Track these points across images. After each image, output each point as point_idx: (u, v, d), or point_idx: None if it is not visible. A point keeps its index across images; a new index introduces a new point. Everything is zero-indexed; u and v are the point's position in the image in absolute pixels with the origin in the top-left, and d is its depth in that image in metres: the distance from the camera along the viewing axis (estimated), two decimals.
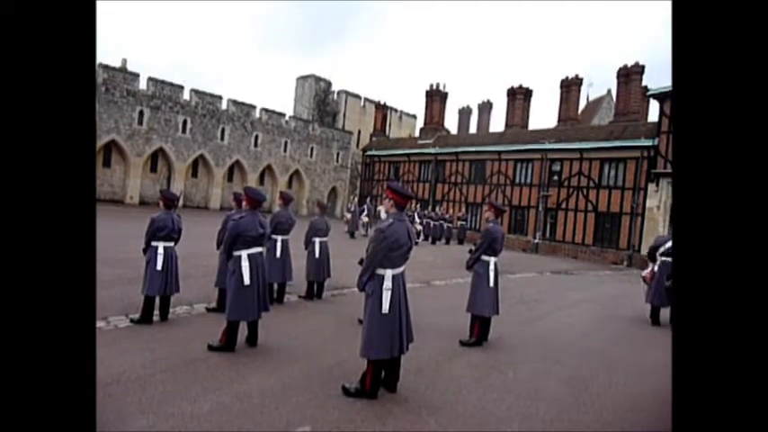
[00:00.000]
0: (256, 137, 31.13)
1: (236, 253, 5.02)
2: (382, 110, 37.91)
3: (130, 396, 3.69)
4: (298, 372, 4.51)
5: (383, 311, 3.96)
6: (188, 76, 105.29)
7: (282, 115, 32.73)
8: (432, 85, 32.76)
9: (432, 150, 30.08)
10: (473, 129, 34.31)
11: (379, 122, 37.67)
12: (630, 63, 23.65)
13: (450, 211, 26.21)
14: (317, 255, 7.81)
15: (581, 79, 26.42)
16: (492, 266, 6.09)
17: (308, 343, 5.48)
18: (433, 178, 29.98)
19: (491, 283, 6.03)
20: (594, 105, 39.11)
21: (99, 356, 3.61)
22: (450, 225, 23.55)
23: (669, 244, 8.19)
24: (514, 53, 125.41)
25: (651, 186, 20.25)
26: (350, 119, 38.49)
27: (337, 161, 36.22)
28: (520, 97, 28.63)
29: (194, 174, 29.76)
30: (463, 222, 24.84)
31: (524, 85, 28.66)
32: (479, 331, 6.01)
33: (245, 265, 4.97)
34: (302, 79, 38.80)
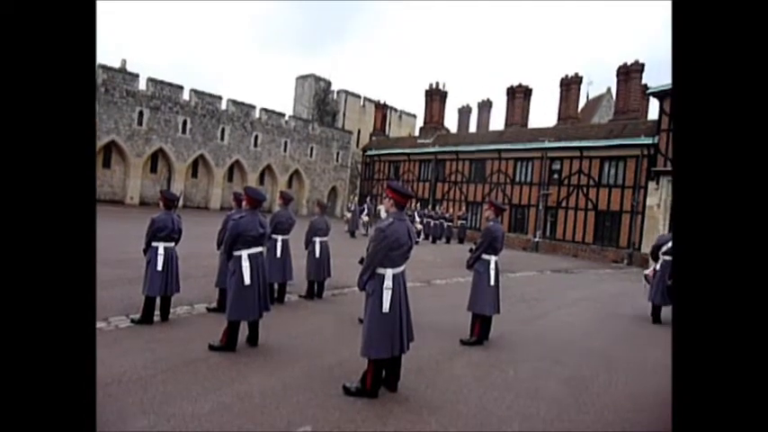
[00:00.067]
0: (256, 137, 31.12)
1: (236, 253, 5.03)
2: (382, 109, 37.91)
3: (131, 396, 3.69)
4: (298, 371, 4.51)
5: (384, 311, 3.96)
6: (187, 76, 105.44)
7: (282, 115, 32.72)
8: (431, 85, 32.74)
9: (431, 149, 30.08)
10: (473, 128, 34.27)
11: (379, 122, 37.67)
12: (630, 61, 23.63)
13: (451, 210, 26.21)
14: (317, 254, 7.81)
15: (581, 77, 26.39)
16: (492, 265, 6.09)
17: (309, 342, 5.48)
18: (433, 177, 29.98)
19: (492, 282, 6.03)
20: (594, 104, 39.10)
21: (100, 357, 3.61)
22: (450, 224, 23.55)
23: (672, 243, 8.20)
24: (514, 52, 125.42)
25: (651, 184, 20.24)
26: (349, 118, 38.48)
27: (337, 161, 36.21)
28: (519, 96, 28.60)
29: (194, 174, 29.76)
30: (463, 221, 24.84)
31: (524, 84, 28.64)
32: (480, 330, 6.01)
33: (245, 265, 4.97)
34: (302, 79, 38.79)
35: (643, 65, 23.41)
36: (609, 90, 37.37)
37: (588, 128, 24.94)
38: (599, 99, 39.16)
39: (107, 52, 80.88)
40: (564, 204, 23.53)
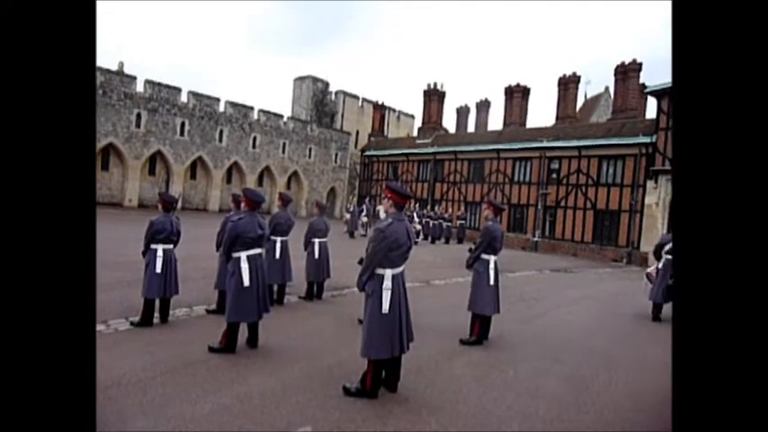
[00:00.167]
0: (254, 138, 31.11)
1: (235, 254, 5.02)
2: (380, 110, 37.93)
3: (131, 399, 3.68)
4: (298, 372, 4.51)
5: (383, 311, 3.96)
6: (185, 77, 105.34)
7: (280, 116, 32.71)
8: (429, 85, 32.74)
9: (430, 150, 30.09)
10: (471, 128, 34.31)
11: (377, 122, 37.68)
12: (628, 60, 23.67)
13: (450, 210, 26.21)
14: (316, 255, 7.81)
15: (578, 77, 26.44)
16: (492, 265, 6.09)
17: (309, 343, 5.48)
18: (432, 177, 29.99)
19: (491, 282, 6.04)
20: (592, 103, 39.15)
21: (99, 359, 3.61)
22: (449, 224, 23.54)
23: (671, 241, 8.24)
24: (512, 52, 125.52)
25: (650, 183, 20.26)
26: (348, 119, 38.50)
27: (336, 162, 36.20)
28: (518, 96, 28.63)
29: (193, 176, 29.73)
30: (462, 221, 24.83)
31: (522, 84, 28.68)
32: (480, 330, 6.02)
33: (244, 266, 4.97)
34: (300, 80, 38.79)
35: (641, 64, 23.45)
36: (607, 89, 37.44)
37: (586, 127, 24.98)
38: (597, 98, 39.22)
39: (107, 52, 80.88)
40: (563, 204, 23.55)
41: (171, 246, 5.97)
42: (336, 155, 36.16)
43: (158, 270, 5.74)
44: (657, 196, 20.01)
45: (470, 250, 6.26)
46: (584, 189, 22.76)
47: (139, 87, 25.98)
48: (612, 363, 5.65)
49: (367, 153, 35.32)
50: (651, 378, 5.19)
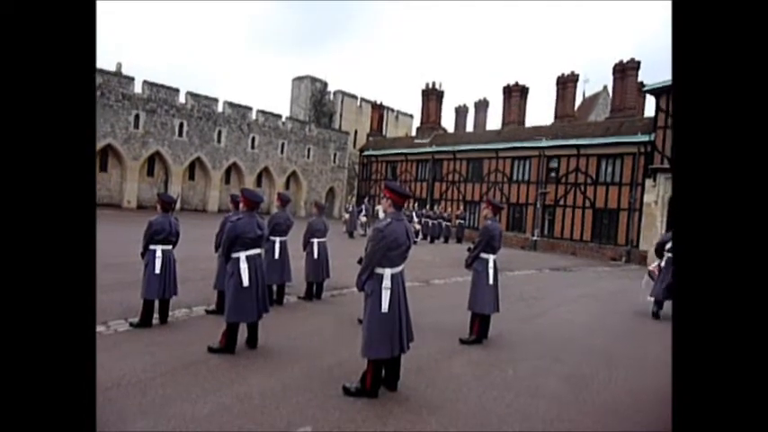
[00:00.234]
0: (253, 139, 31.09)
1: (234, 255, 5.02)
2: (379, 110, 37.92)
3: (131, 399, 3.68)
4: (298, 372, 4.51)
5: (383, 310, 3.96)
6: (185, 77, 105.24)
7: (279, 117, 32.69)
8: (428, 84, 32.75)
9: (429, 149, 30.09)
10: (470, 127, 34.30)
11: (376, 122, 37.68)
12: (626, 59, 23.67)
13: (449, 209, 26.22)
14: (315, 255, 7.81)
15: (577, 76, 26.43)
16: (491, 264, 6.10)
17: (308, 343, 5.48)
18: (431, 177, 29.99)
19: (490, 281, 6.04)
20: (591, 102, 39.18)
21: (99, 361, 3.60)
22: (448, 224, 23.54)
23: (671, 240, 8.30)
24: (510, 51, 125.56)
25: (648, 182, 20.29)
26: (346, 119, 38.48)
27: (334, 162, 36.19)
28: (516, 95, 28.63)
29: (191, 177, 29.70)
30: (461, 221, 24.84)
31: (520, 83, 28.67)
32: (479, 329, 6.02)
33: (243, 266, 4.97)
34: (298, 80, 38.76)
35: (639, 62, 23.45)
36: (605, 88, 37.45)
37: (585, 126, 25.00)
38: (595, 97, 39.24)
39: (107, 52, 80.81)
40: (561, 202, 23.57)
41: (170, 246, 5.97)
42: (335, 155, 36.15)
43: (157, 271, 5.74)
44: (656, 194, 20.04)
45: (469, 249, 6.27)
46: (582, 188, 22.78)
47: (137, 88, 25.94)
48: (612, 361, 5.66)
49: (365, 153, 35.33)
50: (651, 376, 5.20)
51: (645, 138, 20.31)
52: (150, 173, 27.90)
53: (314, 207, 8.50)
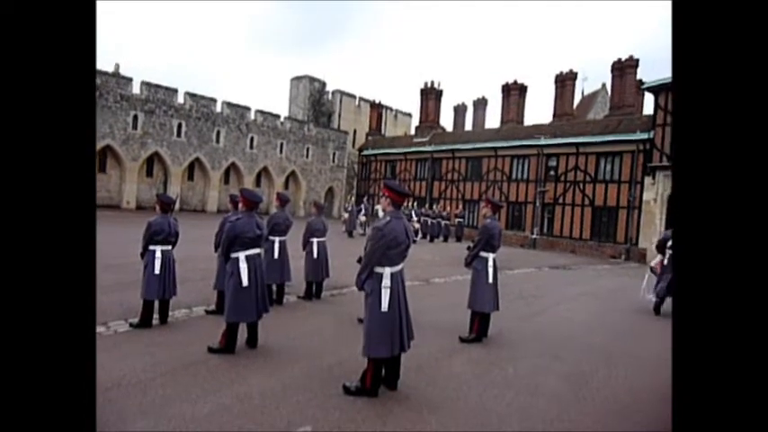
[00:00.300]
0: (252, 139, 31.07)
1: (233, 255, 5.02)
2: (377, 109, 37.91)
3: (131, 400, 3.68)
4: (298, 372, 4.51)
5: (382, 309, 3.96)
6: (181, 78, 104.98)
7: (277, 116, 32.67)
8: (426, 83, 32.72)
9: (428, 148, 30.09)
10: (468, 126, 34.28)
11: (375, 122, 37.67)
12: (624, 57, 23.68)
13: (448, 208, 26.22)
14: (315, 255, 7.81)
15: (575, 74, 26.41)
16: (491, 262, 6.10)
17: (308, 343, 5.48)
18: (430, 176, 29.99)
19: (490, 280, 6.04)
20: (589, 100, 39.22)
21: (99, 361, 3.60)
22: (447, 222, 23.55)
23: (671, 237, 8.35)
24: (509, 50, 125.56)
25: (647, 179, 20.30)
26: (345, 119, 38.45)
27: (333, 161, 36.17)
28: (515, 93, 28.61)
29: (190, 177, 29.69)
30: (461, 219, 24.85)
31: (519, 81, 28.66)
32: (479, 327, 6.03)
33: (242, 266, 4.97)
34: (296, 80, 38.73)
35: (637, 60, 23.44)
36: (604, 86, 37.48)
37: (584, 124, 25.01)
38: (594, 95, 39.28)
39: (107, 52, 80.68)
40: (561, 201, 23.58)
41: (169, 247, 5.97)
42: (334, 154, 36.14)
43: (157, 271, 5.74)
44: (655, 192, 20.05)
45: (469, 248, 6.27)
46: (581, 186, 22.79)
47: (136, 89, 25.91)
48: (612, 359, 5.67)
49: (365, 152, 35.33)
50: (650, 373, 5.21)
51: (644, 135, 20.31)
52: (149, 174, 27.88)
53: (313, 207, 8.51)
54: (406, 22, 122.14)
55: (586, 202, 22.60)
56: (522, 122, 28.48)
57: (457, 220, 24.58)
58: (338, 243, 15.01)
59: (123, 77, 25.57)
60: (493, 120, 34.01)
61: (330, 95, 38.73)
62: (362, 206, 24.18)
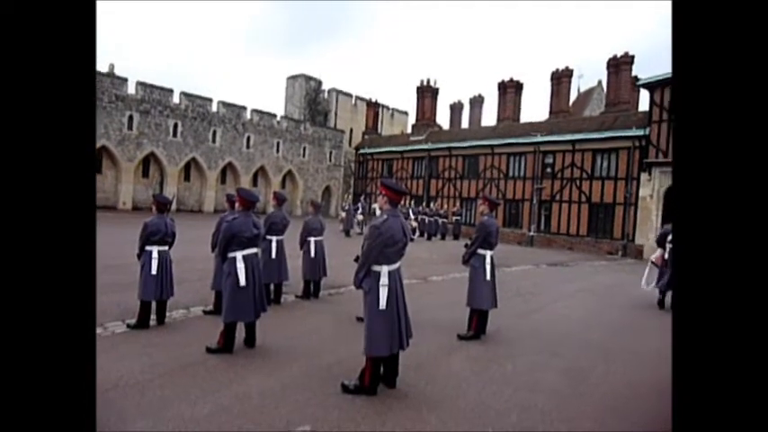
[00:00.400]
0: (248, 138, 31.02)
1: (230, 254, 5.01)
2: (374, 107, 37.88)
3: (129, 401, 3.67)
4: (297, 371, 4.50)
5: (380, 308, 3.96)
6: (176, 78, 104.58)
7: (274, 116, 32.63)
8: (422, 81, 32.72)
9: (424, 146, 30.10)
10: (465, 124, 34.34)
11: (371, 120, 37.65)
12: (620, 53, 23.72)
13: (445, 206, 26.24)
14: (312, 254, 7.80)
15: (571, 71, 26.48)
16: (488, 260, 6.10)
17: (307, 342, 5.47)
18: (427, 174, 30.01)
19: (488, 277, 6.05)
20: (585, 97, 39.26)
21: (97, 362, 3.58)
22: (444, 220, 23.58)
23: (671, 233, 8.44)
24: (504, 47, 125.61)
25: (644, 176, 20.35)
26: (341, 117, 38.42)
27: (330, 160, 36.16)
28: (511, 91, 28.65)
29: (187, 177, 29.64)
30: (458, 217, 24.88)
31: (515, 79, 28.69)
32: (477, 325, 6.03)
33: (240, 266, 4.95)
34: (292, 79, 38.67)
35: (633, 57, 23.51)
36: (600, 83, 37.55)
37: (580, 121, 25.04)
38: (590, 92, 39.33)
39: (106, 53, 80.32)
40: (557, 198, 23.63)
41: (166, 247, 5.95)
42: (331, 153, 36.12)
43: (154, 272, 5.72)
44: (651, 188, 20.11)
45: (466, 246, 6.28)
46: (578, 183, 22.84)
47: (131, 89, 25.83)
48: (610, 354, 5.68)
49: (361, 151, 35.31)
50: (649, 369, 5.22)
51: (639, 132, 20.37)
52: (145, 174, 27.81)
53: (310, 206, 8.49)
54: (402, 21, 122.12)
55: (583, 198, 22.65)
56: (518, 120, 28.52)
57: (454, 217, 24.61)
58: (335, 242, 15.01)
59: (118, 78, 25.49)
60: (489, 117, 34.20)
61: (326, 94, 38.71)
62: (359, 205, 24.16)
